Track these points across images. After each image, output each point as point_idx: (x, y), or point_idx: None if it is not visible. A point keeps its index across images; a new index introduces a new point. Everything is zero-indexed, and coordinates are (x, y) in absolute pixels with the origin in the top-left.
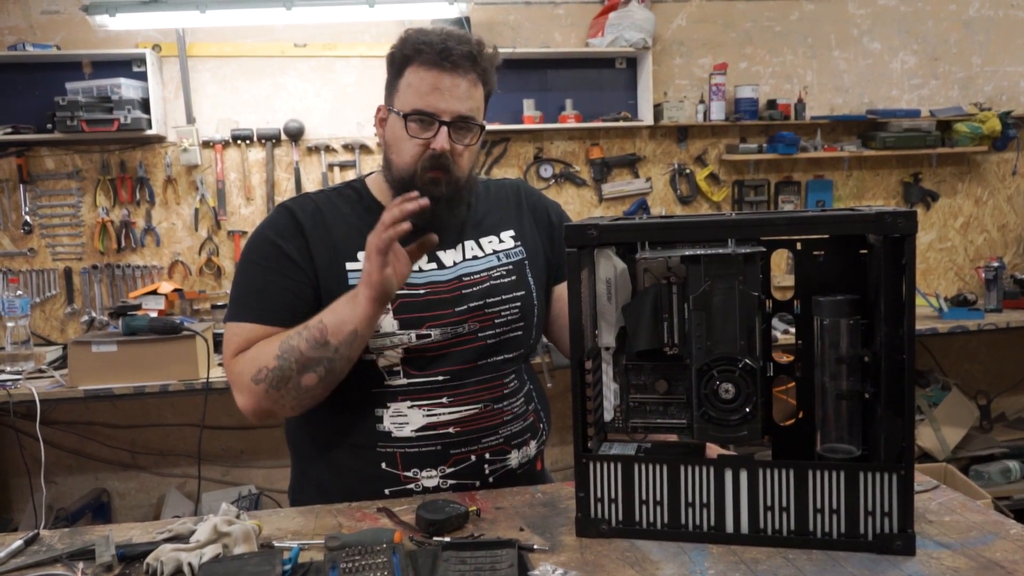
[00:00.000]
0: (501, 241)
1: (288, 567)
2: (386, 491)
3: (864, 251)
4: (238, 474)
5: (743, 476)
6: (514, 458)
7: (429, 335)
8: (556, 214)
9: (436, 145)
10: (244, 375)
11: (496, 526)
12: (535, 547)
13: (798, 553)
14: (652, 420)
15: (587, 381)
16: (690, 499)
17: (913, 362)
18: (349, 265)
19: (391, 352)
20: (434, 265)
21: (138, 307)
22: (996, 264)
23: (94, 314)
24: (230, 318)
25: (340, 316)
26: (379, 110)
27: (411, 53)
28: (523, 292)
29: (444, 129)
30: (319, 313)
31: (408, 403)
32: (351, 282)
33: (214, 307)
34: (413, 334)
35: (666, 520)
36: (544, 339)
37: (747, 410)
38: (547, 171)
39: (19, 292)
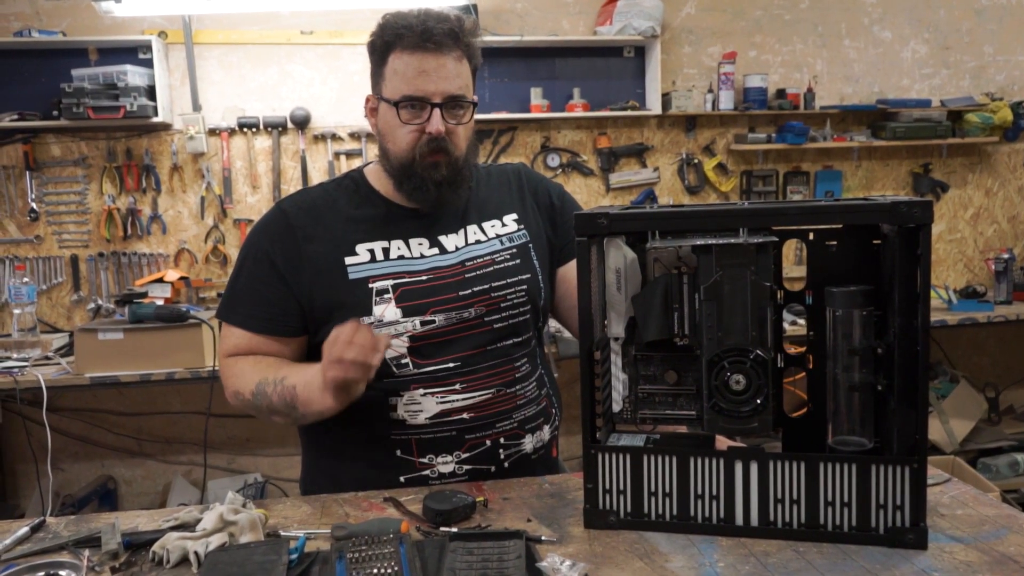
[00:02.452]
0: (504, 225)
1: (294, 556)
2: (401, 478)
3: (877, 241)
4: (244, 462)
5: (753, 468)
6: (528, 443)
7: (433, 321)
8: (558, 195)
9: (431, 128)
10: (228, 384)
11: (503, 517)
12: (543, 538)
13: (809, 546)
14: (661, 411)
15: (596, 371)
16: (699, 491)
17: (927, 354)
18: (348, 260)
19: (396, 341)
20: (436, 250)
21: (144, 295)
22: (1006, 256)
23: (100, 302)
24: (221, 316)
25: (310, 394)
26: (368, 100)
27: (392, 39)
28: (528, 275)
29: (437, 111)
30: (296, 372)
31: (421, 391)
32: (351, 276)
33: (220, 295)
34: (417, 321)
35: (675, 512)
36: (551, 328)
37: (758, 402)
38: (554, 160)
39: (26, 279)
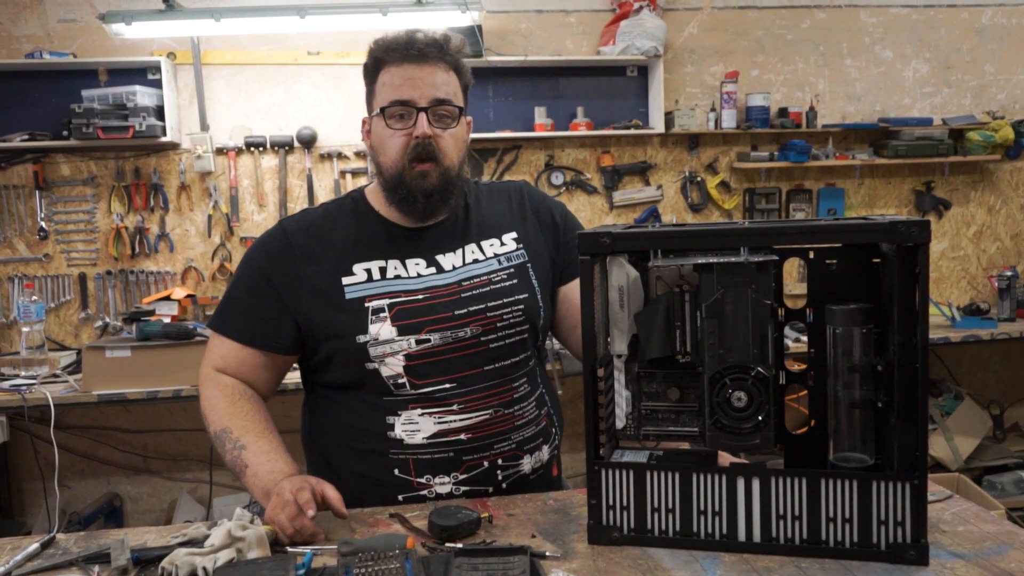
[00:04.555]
0: (503, 244)
1: (301, 572)
2: (399, 497)
3: (877, 260)
4: None
5: (755, 484)
6: (527, 464)
7: (429, 340)
8: (560, 214)
9: (417, 132)
10: (202, 401)
11: (508, 532)
12: (547, 554)
13: (810, 562)
14: (664, 428)
15: (599, 389)
16: (702, 507)
17: (927, 371)
18: (345, 280)
19: (392, 360)
20: (433, 270)
21: (152, 313)
22: (1009, 273)
23: (108, 319)
24: (212, 325)
25: (252, 484)
26: (364, 122)
27: (381, 56)
28: (526, 295)
29: (423, 115)
30: (254, 448)
31: (419, 411)
32: (348, 296)
33: None
34: (412, 339)
35: (678, 528)
36: (555, 345)
37: (759, 418)
38: (558, 178)
39: (34, 297)
